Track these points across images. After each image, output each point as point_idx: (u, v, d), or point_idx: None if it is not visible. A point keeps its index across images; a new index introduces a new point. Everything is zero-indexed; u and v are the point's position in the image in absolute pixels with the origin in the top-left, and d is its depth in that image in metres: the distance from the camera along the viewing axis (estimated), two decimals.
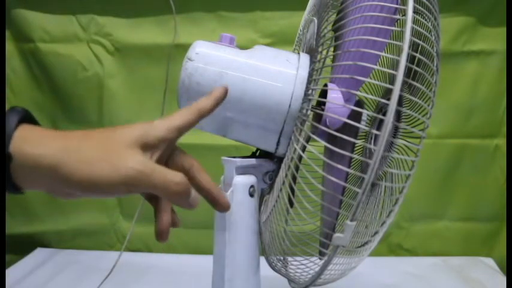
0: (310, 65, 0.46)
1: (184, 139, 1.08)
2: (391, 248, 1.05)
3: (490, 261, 0.99)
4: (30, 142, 0.34)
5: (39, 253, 1.01)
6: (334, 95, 0.43)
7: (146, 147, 0.36)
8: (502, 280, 0.90)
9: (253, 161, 0.51)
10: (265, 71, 0.46)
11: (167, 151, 0.40)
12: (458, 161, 1.01)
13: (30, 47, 0.98)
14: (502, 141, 1.00)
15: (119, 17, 0.98)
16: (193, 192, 0.37)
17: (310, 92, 0.44)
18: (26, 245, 1.02)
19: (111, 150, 0.35)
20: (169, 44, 0.91)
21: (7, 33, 0.97)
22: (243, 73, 0.45)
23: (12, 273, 0.89)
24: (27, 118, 0.36)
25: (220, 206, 0.41)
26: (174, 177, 0.35)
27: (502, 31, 0.94)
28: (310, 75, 0.45)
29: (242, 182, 0.49)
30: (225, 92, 0.40)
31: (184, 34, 0.94)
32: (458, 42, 0.97)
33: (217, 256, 0.50)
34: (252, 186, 0.50)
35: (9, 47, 0.98)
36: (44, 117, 1.01)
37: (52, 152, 0.34)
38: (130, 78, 1.00)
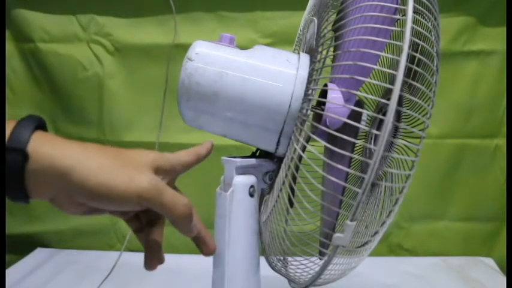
0: (310, 65, 0.46)
1: (185, 139, 1.08)
2: (391, 248, 1.05)
3: (490, 261, 0.99)
4: (48, 143, 0.35)
5: (39, 253, 1.01)
6: (334, 95, 0.43)
7: (158, 170, 0.39)
8: (502, 280, 0.90)
9: (253, 161, 0.51)
10: (265, 71, 0.46)
11: (171, 183, 0.43)
12: (458, 161, 1.01)
13: (30, 47, 0.98)
14: (502, 141, 1.00)
15: (119, 17, 0.98)
16: (194, 220, 0.39)
17: (310, 92, 0.44)
18: (26, 245, 1.02)
19: (128, 165, 0.36)
20: (169, 44, 0.91)
21: (7, 33, 0.97)
22: (243, 73, 0.45)
23: (12, 273, 0.89)
24: (42, 126, 0.37)
25: (207, 247, 0.43)
26: (182, 199, 0.37)
27: (502, 31, 0.94)
28: (310, 75, 0.45)
29: (242, 182, 0.49)
30: (211, 148, 0.46)
31: (184, 34, 0.95)
32: (458, 42, 0.97)
33: (217, 256, 0.50)
34: (252, 186, 0.50)
35: (9, 47, 0.98)
36: (44, 117, 1.01)
37: (70, 153, 0.34)
38: (130, 78, 1.00)
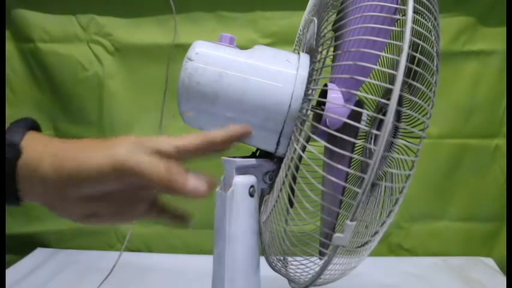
0: (310, 65, 0.46)
1: None
2: (391, 248, 1.05)
3: (490, 261, 0.99)
4: (39, 140, 0.36)
5: (39, 253, 1.01)
6: (334, 95, 0.43)
7: (161, 154, 0.37)
8: (502, 280, 0.90)
9: (253, 161, 0.51)
10: (265, 71, 0.46)
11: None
12: (458, 161, 1.01)
13: (30, 47, 0.98)
14: (502, 141, 1.00)
15: (119, 17, 0.98)
16: (195, 180, 0.36)
17: (310, 92, 0.44)
18: (26, 245, 1.02)
19: (106, 143, 0.36)
20: (169, 44, 0.91)
21: (7, 33, 0.97)
22: (243, 73, 0.45)
23: (12, 273, 0.89)
24: (35, 127, 0.38)
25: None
26: (158, 163, 0.36)
27: (502, 31, 0.94)
28: (310, 75, 0.45)
29: (242, 182, 0.49)
30: (247, 132, 0.42)
31: (184, 34, 0.95)
32: (458, 42, 0.97)
33: (218, 256, 0.50)
34: (252, 186, 0.50)
35: (9, 47, 0.98)
36: (44, 117, 1.01)
37: (55, 144, 0.36)
38: (130, 78, 1.00)
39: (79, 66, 0.99)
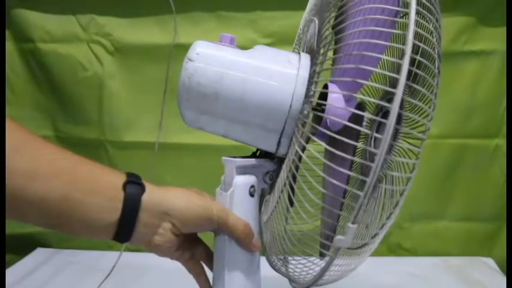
0: (312, 66, 0.46)
1: (185, 139, 1.08)
2: (391, 248, 1.05)
3: (490, 261, 0.99)
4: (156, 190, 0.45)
5: (39, 253, 1.01)
6: (335, 96, 0.43)
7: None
8: (502, 280, 0.90)
9: (253, 161, 0.51)
10: (266, 71, 0.46)
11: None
12: (458, 161, 1.01)
13: (30, 47, 0.98)
14: (502, 141, 1.00)
15: (119, 17, 0.98)
16: (255, 238, 0.49)
17: (311, 93, 0.44)
18: (26, 245, 1.02)
19: (203, 195, 0.49)
20: (169, 44, 0.91)
21: (7, 33, 0.97)
22: (243, 73, 0.45)
23: (12, 273, 0.89)
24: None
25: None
26: (242, 220, 0.48)
27: (502, 31, 0.94)
28: (311, 76, 0.45)
29: (242, 182, 0.49)
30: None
31: (184, 34, 0.94)
32: (458, 42, 0.97)
33: (218, 256, 0.50)
34: (252, 186, 0.50)
35: (9, 47, 0.98)
36: (44, 117, 1.01)
37: (169, 195, 0.46)
38: (130, 78, 1.00)
39: (79, 66, 0.99)
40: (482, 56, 0.97)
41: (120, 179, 0.42)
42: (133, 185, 0.42)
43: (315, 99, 0.43)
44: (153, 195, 0.43)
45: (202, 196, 0.48)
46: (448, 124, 1.00)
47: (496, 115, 0.99)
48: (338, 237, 0.36)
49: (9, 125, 0.37)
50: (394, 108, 0.32)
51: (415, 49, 0.36)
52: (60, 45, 0.98)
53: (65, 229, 0.42)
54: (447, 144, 1.00)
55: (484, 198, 1.02)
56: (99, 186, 0.41)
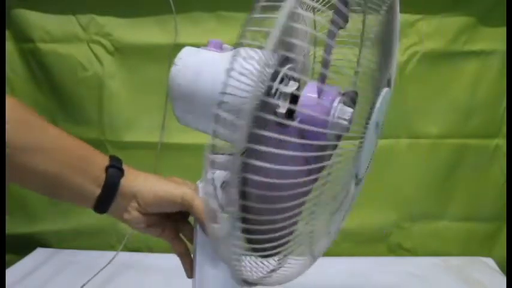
0: (282, 63, 0.45)
1: (184, 139, 1.07)
2: (391, 248, 1.05)
3: (490, 261, 0.99)
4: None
5: (39, 253, 1.01)
6: (307, 93, 0.41)
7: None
8: (502, 280, 0.90)
9: (226, 156, 0.52)
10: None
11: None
12: (458, 161, 1.01)
13: (30, 47, 0.98)
14: (502, 141, 1.00)
15: (119, 17, 0.98)
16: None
17: (274, 90, 0.43)
18: (26, 245, 1.02)
19: (172, 180, 0.54)
20: (169, 44, 0.91)
21: (7, 33, 0.97)
22: (214, 73, 0.46)
23: (12, 273, 0.89)
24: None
25: None
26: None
27: (502, 31, 0.94)
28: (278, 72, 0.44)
29: (215, 177, 0.50)
30: None
31: (184, 34, 0.94)
32: (458, 42, 0.97)
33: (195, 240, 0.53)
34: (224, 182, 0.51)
35: (9, 47, 0.98)
36: (44, 117, 1.01)
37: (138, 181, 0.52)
38: (130, 78, 1.00)
39: (79, 66, 0.99)
40: (482, 56, 0.97)
41: (104, 161, 0.50)
42: (114, 169, 0.50)
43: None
44: (128, 179, 0.51)
45: (174, 183, 0.52)
46: (448, 124, 1.00)
47: (496, 115, 0.99)
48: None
49: (18, 103, 0.46)
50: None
51: None
52: (60, 45, 0.98)
53: (56, 197, 0.53)
54: (447, 144, 1.00)
55: (484, 198, 1.02)
56: (87, 166, 0.49)
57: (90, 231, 1.04)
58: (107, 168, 0.50)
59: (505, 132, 0.98)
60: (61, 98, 1.00)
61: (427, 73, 0.96)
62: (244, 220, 0.38)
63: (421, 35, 0.96)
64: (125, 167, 0.51)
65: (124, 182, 0.50)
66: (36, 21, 0.97)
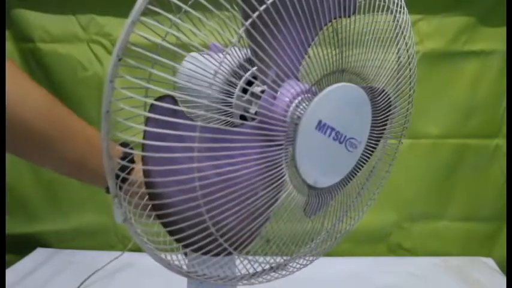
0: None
1: None
2: (391, 248, 1.05)
3: (490, 261, 0.99)
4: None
5: (39, 253, 1.01)
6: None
7: None
8: (502, 280, 0.90)
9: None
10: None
11: None
12: (458, 161, 1.01)
13: (30, 47, 0.98)
14: (502, 141, 1.00)
15: (118, 17, 0.98)
16: None
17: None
18: (26, 245, 1.02)
19: None
20: (169, 44, 0.91)
21: (7, 33, 0.97)
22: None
23: (12, 273, 0.89)
24: None
25: None
26: None
27: (502, 31, 0.94)
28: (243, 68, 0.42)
29: None
30: None
31: (186, 33, 0.94)
32: (458, 42, 0.97)
33: None
34: None
35: (9, 47, 0.98)
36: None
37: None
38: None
39: (79, 66, 0.99)
40: (482, 56, 0.97)
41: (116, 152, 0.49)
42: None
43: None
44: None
45: None
46: (448, 124, 1.00)
47: (496, 115, 1.00)
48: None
49: (41, 91, 0.51)
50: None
51: None
52: (60, 45, 0.98)
53: (78, 178, 0.55)
54: (447, 144, 1.00)
55: (484, 198, 1.02)
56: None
57: (90, 231, 1.04)
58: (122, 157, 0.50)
59: (505, 132, 0.98)
60: (61, 98, 0.98)
61: (427, 73, 0.96)
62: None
63: (421, 35, 0.96)
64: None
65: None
66: (36, 21, 0.97)
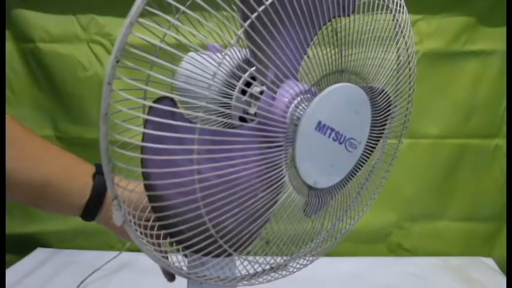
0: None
1: None
2: (391, 248, 1.05)
3: (490, 261, 0.99)
4: None
5: (39, 253, 1.01)
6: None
7: None
8: (502, 280, 0.90)
9: None
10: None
11: None
12: (458, 161, 1.01)
13: (30, 47, 0.98)
14: (502, 141, 1.00)
15: (118, 17, 0.98)
16: None
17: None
18: (26, 245, 1.02)
19: None
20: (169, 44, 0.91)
21: (7, 33, 0.97)
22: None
23: (12, 273, 0.89)
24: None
25: None
26: None
27: (502, 31, 0.94)
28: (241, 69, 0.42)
29: None
30: None
31: (184, 34, 0.94)
32: (458, 42, 0.97)
33: None
34: None
35: (9, 47, 0.98)
36: (44, 117, 1.01)
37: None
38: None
39: (79, 66, 0.99)
40: (482, 56, 0.97)
41: (90, 169, 0.49)
42: (101, 175, 0.48)
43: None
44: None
45: None
46: (448, 124, 1.00)
47: (496, 115, 1.00)
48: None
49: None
50: None
51: None
52: (60, 45, 0.98)
53: (41, 207, 0.50)
54: (447, 144, 1.00)
55: (484, 198, 1.02)
56: (74, 174, 0.48)
57: (90, 231, 1.04)
58: (94, 176, 0.49)
59: (505, 132, 0.98)
60: (61, 98, 1.00)
61: (427, 73, 0.96)
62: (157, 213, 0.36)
63: (421, 34, 0.96)
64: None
65: None
66: (36, 21, 0.97)
